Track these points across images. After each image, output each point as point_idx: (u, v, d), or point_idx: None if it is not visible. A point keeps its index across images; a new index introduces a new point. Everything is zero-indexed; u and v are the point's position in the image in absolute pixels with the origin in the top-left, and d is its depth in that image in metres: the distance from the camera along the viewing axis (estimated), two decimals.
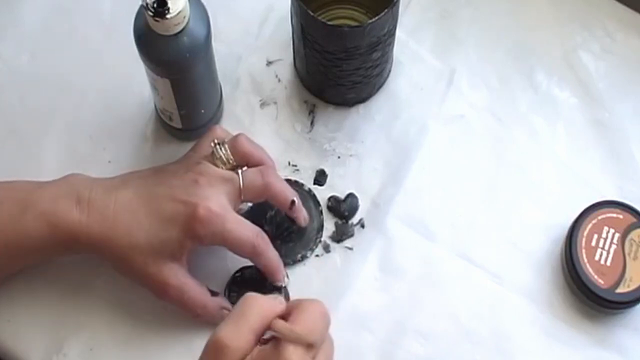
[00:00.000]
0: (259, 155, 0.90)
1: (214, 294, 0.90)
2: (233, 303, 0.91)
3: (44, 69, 0.99)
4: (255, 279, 0.92)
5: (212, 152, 0.88)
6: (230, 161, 0.88)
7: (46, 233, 0.85)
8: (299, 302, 0.75)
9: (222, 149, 0.88)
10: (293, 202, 0.90)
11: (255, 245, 0.87)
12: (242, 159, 0.89)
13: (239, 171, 0.88)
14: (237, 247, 0.87)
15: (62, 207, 0.85)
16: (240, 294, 0.91)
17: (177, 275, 0.87)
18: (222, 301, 0.90)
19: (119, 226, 0.86)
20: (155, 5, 0.80)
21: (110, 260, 0.88)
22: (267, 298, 0.76)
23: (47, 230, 0.85)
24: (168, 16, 0.80)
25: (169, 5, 0.80)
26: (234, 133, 0.95)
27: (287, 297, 0.92)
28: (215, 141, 0.88)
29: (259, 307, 0.74)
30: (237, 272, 0.92)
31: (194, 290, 0.88)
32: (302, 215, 0.92)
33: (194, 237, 0.85)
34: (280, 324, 0.73)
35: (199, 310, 0.89)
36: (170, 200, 0.86)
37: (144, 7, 0.80)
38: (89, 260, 0.91)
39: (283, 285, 0.91)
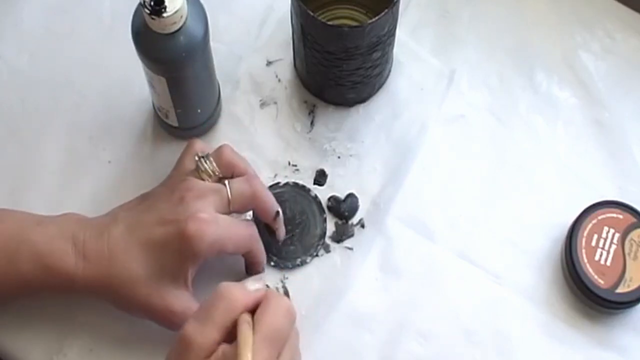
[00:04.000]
0: (244, 165, 0.88)
1: None
2: None
3: (44, 69, 0.99)
4: None
5: (197, 166, 0.87)
6: (216, 173, 0.87)
7: (40, 275, 0.84)
8: (266, 297, 0.77)
9: (207, 161, 0.87)
10: (277, 212, 0.90)
11: (251, 236, 0.87)
12: (228, 170, 0.87)
13: (226, 182, 0.87)
14: (236, 249, 0.87)
15: (57, 249, 0.84)
16: None
17: (182, 301, 0.85)
18: None
19: (116, 265, 0.84)
20: (152, 3, 0.80)
21: (112, 301, 0.87)
22: (240, 287, 0.77)
23: (41, 272, 0.84)
24: (165, 15, 0.80)
25: (166, 3, 0.80)
26: (234, 133, 0.96)
27: (287, 295, 0.92)
28: (199, 154, 0.87)
29: (227, 301, 0.76)
30: None
31: None
32: (282, 229, 0.92)
33: (192, 256, 0.84)
34: (244, 328, 0.74)
35: None
36: (159, 224, 0.85)
37: (141, 5, 0.80)
38: None
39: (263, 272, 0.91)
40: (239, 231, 0.86)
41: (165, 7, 0.80)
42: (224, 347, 0.75)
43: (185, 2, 0.81)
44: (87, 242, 0.85)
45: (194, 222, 0.83)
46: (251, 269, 0.91)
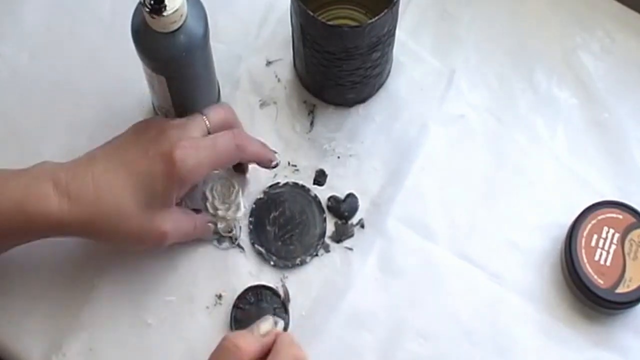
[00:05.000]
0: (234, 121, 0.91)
1: (196, 211, 0.92)
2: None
3: (44, 69, 1.00)
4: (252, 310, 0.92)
5: None
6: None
7: (22, 222, 0.82)
8: (275, 349, 0.76)
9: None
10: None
11: (237, 144, 0.87)
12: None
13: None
14: (223, 162, 0.89)
15: (36, 193, 0.82)
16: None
17: (171, 218, 0.86)
18: (206, 216, 0.93)
19: (104, 200, 0.83)
20: (152, 2, 0.80)
21: (102, 236, 0.86)
22: (246, 336, 0.76)
23: (23, 219, 0.82)
24: (165, 13, 0.80)
25: (166, 2, 0.80)
26: None
27: (286, 295, 0.92)
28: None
29: (233, 355, 0.75)
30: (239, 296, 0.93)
31: (185, 221, 0.89)
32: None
33: (180, 181, 0.84)
34: None
35: (191, 233, 0.91)
36: (144, 158, 0.84)
37: (141, 4, 0.80)
38: (89, 260, 0.91)
39: (277, 162, 0.93)
40: (225, 146, 0.87)
41: (165, 6, 0.80)
42: None
43: (185, 1, 0.81)
44: (69, 182, 0.83)
45: (178, 148, 0.83)
46: (262, 166, 0.93)
